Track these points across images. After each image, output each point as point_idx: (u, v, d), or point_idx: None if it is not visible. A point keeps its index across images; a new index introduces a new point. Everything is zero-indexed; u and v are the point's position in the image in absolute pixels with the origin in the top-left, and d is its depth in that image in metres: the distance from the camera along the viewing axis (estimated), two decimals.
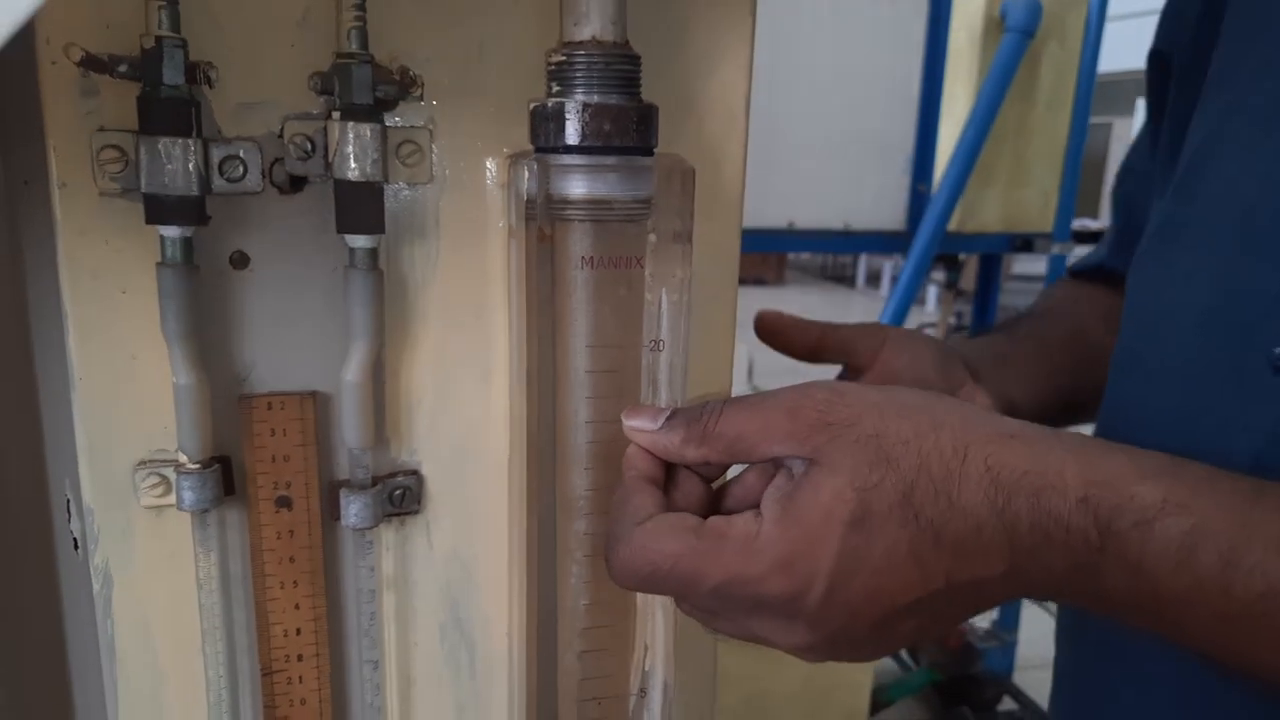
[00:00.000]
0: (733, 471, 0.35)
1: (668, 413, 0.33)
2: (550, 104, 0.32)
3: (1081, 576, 0.30)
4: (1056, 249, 1.94)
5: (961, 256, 2.33)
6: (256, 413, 0.35)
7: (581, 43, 0.32)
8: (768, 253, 6.62)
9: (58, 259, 0.33)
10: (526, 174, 0.33)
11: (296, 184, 0.35)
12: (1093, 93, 1.93)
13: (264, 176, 0.34)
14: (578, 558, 0.36)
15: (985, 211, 1.92)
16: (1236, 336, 0.39)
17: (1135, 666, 0.44)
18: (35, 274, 0.40)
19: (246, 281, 0.35)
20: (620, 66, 0.32)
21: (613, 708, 0.37)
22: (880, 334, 0.48)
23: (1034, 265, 4.67)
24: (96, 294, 0.33)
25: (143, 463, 0.35)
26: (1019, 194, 1.94)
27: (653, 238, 0.34)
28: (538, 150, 0.33)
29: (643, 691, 0.37)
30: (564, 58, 0.32)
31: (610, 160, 0.32)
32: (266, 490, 0.36)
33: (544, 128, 0.33)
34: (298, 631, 0.37)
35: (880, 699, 2.11)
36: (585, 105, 0.32)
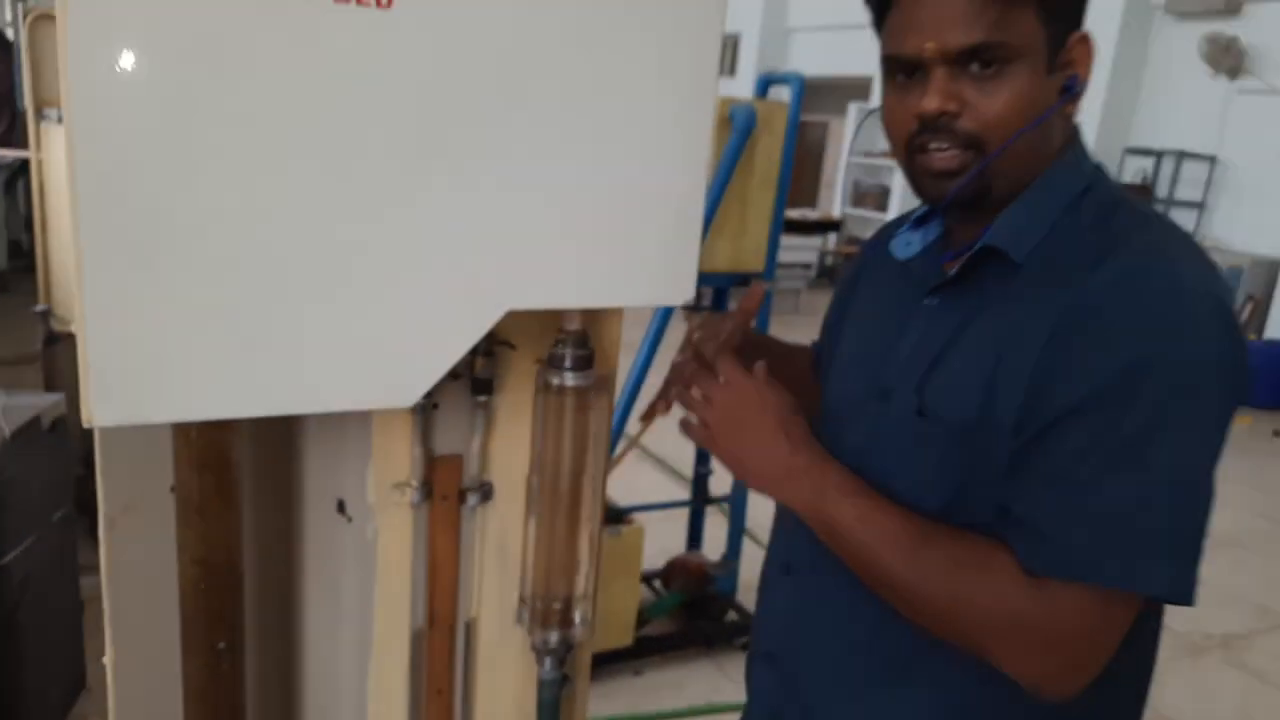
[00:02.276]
0: None
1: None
2: (559, 352, 0.89)
3: (816, 505, 0.88)
4: (765, 286, 2.67)
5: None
6: (440, 464, 0.90)
7: (570, 331, 0.89)
8: None
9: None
10: (549, 378, 0.90)
11: (482, 386, 0.90)
12: (791, 169, 2.67)
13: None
14: (558, 526, 0.94)
15: (717, 257, 2.62)
16: (874, 406, 1.01)
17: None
18: None
19: (437, 416, 0.89)
20: (585, 342, 0.90)
21: (565, 578, 0.95)
22: (763, 342, 1.08)
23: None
24: (387, 426, 0.86)
25: (397, 484, 0.88)
26: (740, 244, 2.65)
27: (592, 395, 0.92)
28: (550, 367, 0.90)
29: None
30: (564, 337, 0.89)
31: (580, 373, 0.90)
32: (440, 494, 0.91)
33: (557, 363, 0.90)
34: (448, 552, 0.92)
35: (643, 618, 2.79)
36: (574, 355, 0.89)
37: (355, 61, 0.64)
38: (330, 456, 0.93)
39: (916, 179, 0.86)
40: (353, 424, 0.88)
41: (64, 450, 2.29)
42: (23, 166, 7.38)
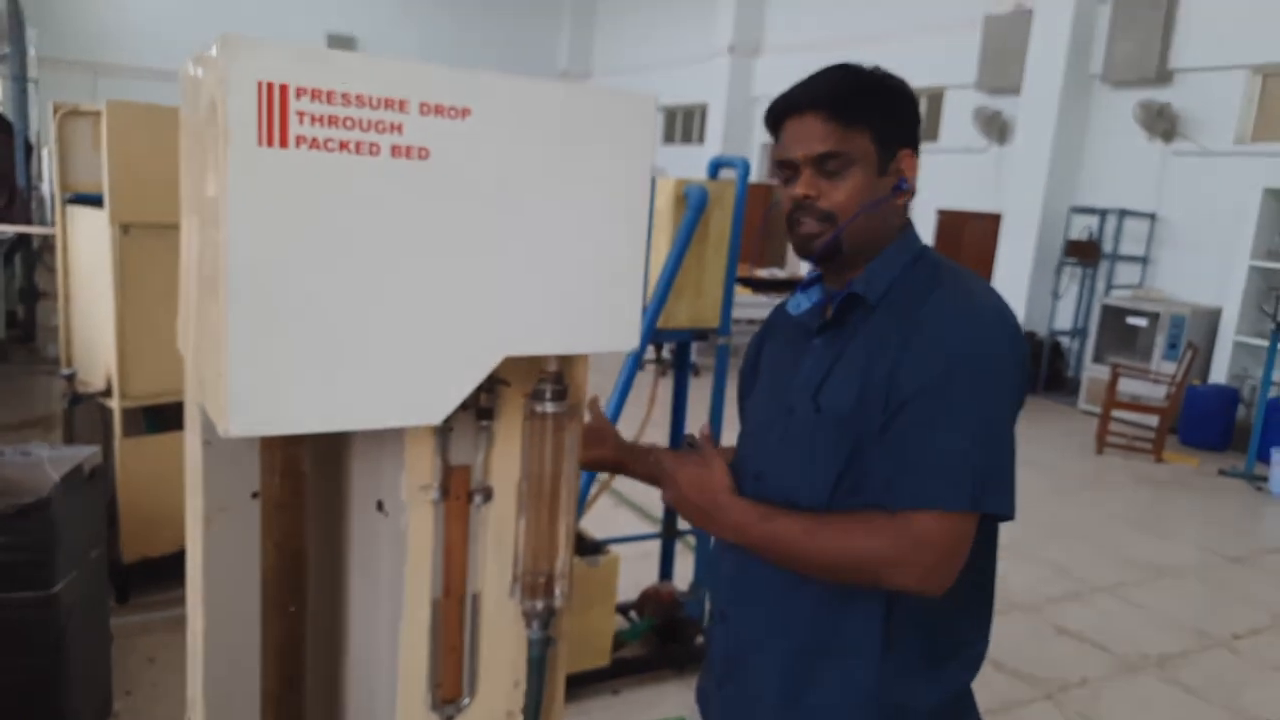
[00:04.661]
0: None
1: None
2: (541, 388, 1.22)
3: (741, 534, 1.23)
4: (721, 340, 3.03)
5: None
6: (454, 472, 1.21)
7: (549, 372, 1.22)
8: None
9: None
10: (534, 407, 1.22)
11: (484, 413, 1.22)
12: (740, 240, 3.03)
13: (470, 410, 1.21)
14: (541, 520, 1.25)
15: (678, 315, 2.96)
16: (783, 419, 1.34)
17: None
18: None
19: (452, 436, 1.21)
20: (560, 379, 1.23)
21: (547, 559, 1.26)
22: (647, 452, 1.42)
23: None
24: (416, 442, 1.18)
25: (423, 487, 1.20)
26: (698, 303, 3.00)
27: (566, 420, 1.24)
28: (534, 399, 1.22)
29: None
30: (545, 377, 1.22)
31: (557, 404, 1.22)
32: (454, 495, 1.22)
33: (539, 396, 1.22)
34: (460, 540, 1.23)
35: (619, 641, 3.06)
36: (552, 390, 1.22)
37: (406, 191, 0.98)
38: (373, 465, 1.24)
39: (794, 241, 1.25)
40: (390, 441, 1.19)
41: (100, 497, 2.57)
42: (18, 242, 7.68)
